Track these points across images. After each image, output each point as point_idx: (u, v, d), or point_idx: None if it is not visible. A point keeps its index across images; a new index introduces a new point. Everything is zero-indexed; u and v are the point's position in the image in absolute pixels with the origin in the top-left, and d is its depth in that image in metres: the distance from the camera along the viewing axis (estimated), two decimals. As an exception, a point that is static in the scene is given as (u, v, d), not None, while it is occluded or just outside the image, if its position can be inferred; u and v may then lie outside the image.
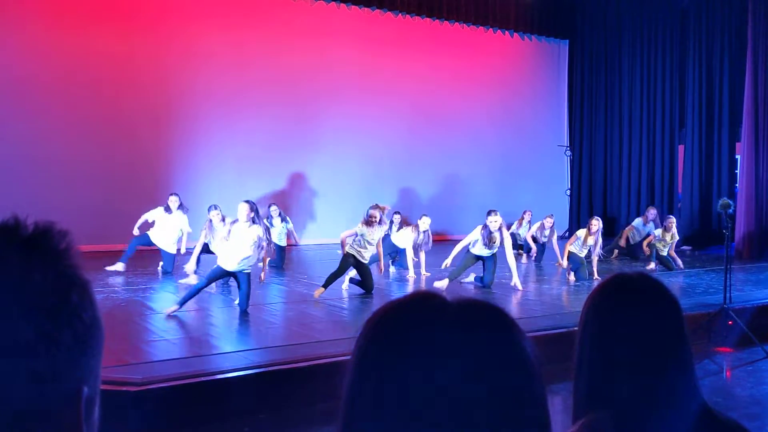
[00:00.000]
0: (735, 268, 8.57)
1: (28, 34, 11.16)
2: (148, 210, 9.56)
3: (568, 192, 17.37)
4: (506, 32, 16.23)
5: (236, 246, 6.79)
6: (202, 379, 4.65)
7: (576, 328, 1.31)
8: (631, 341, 1.22)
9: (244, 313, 6.78)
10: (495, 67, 16.10)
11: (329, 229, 12.95)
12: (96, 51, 11.75)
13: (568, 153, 17.44)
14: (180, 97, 12.49)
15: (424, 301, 0.70)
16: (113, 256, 9.30)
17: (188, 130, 12.63)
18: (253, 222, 6.82)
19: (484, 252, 8.64)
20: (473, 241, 8.66)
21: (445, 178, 15.33)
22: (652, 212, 11.88)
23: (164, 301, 7.42)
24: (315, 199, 13.79)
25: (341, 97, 13.95)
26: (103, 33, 11.80)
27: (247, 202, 6.94)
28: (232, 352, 5.38)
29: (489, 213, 8.65)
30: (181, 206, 9.46)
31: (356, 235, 8.14)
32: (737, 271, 9.64)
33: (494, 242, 8.53)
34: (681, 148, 15.09)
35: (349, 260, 8.07)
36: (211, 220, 8.49)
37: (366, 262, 8.15)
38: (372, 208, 8.26)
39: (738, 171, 13.44)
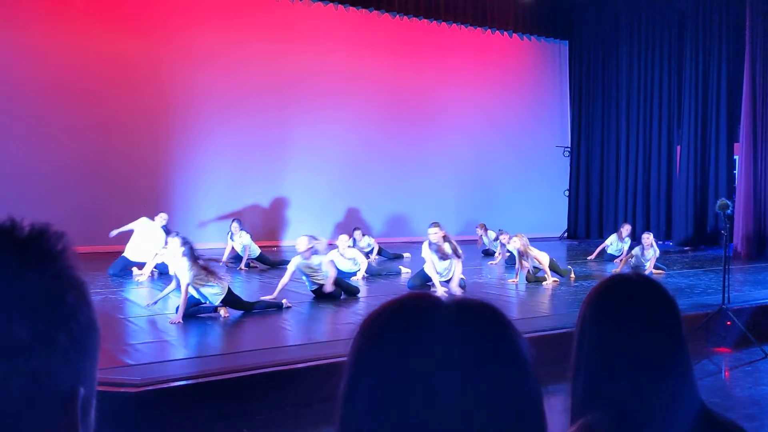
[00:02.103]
0: (733, 268, 8.54)
1: (26, 34, 11.16)
2: (137, 216, 9.51)
3: (567, 193, 17.36)
4: (505, 33, 16.22)
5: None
6: (201, 380, 4.65)
7: (574, 329, 1.31)
8: (628, 342, 1.22)
9: (241, 315, 6.77)
10: (494, 68, 16.09)
11: (332, 229, 12.98)
12: (94, 52, 11.74)
13: (567, 154, 17.44)
14: (178, 99, 12.48)
15: (420, 301, 0.70)
16: (111, 257, 9.29)
17: (186, 132, 12.63)
18: (182, 255, 6.54)
19: (443, 265, 8.20)
20: (430, 261, 8.16)
21: (444, 180, 15.31)
22: (626, 228, 11.82)
23: (163, 302, 7.40)
24: (317, 198, 13.77)
25: (340, 98, 13.95)
26: (102, 34, 11.80)
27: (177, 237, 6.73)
28: (230, 353, 5.38)
29: (430, 226, 8.08)
30: (165, 227, 9.33)
31: (296, 269, 7.61)
32: (735, 272, 9.63)
33: (446, 252, 8.05)
34: (679, 148, 15.09)
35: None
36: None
37: (321, 284, 7.66)
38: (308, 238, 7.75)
39: (736, 171, 13.44)
